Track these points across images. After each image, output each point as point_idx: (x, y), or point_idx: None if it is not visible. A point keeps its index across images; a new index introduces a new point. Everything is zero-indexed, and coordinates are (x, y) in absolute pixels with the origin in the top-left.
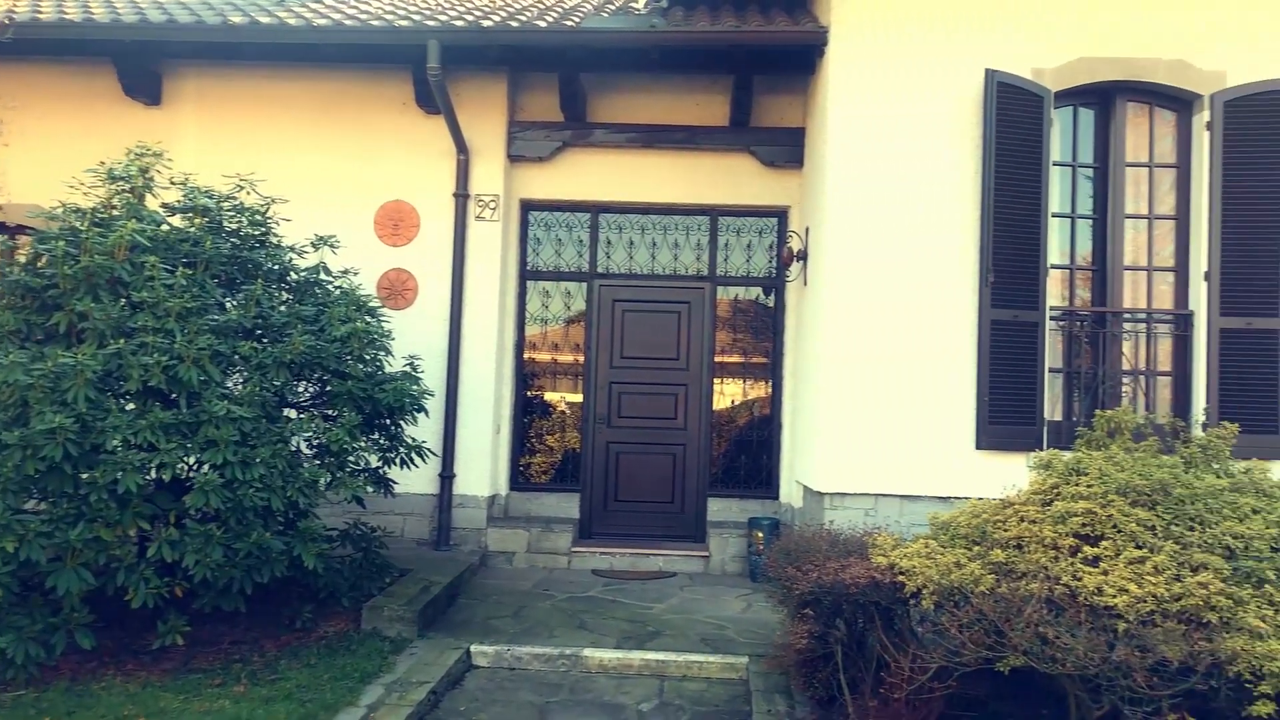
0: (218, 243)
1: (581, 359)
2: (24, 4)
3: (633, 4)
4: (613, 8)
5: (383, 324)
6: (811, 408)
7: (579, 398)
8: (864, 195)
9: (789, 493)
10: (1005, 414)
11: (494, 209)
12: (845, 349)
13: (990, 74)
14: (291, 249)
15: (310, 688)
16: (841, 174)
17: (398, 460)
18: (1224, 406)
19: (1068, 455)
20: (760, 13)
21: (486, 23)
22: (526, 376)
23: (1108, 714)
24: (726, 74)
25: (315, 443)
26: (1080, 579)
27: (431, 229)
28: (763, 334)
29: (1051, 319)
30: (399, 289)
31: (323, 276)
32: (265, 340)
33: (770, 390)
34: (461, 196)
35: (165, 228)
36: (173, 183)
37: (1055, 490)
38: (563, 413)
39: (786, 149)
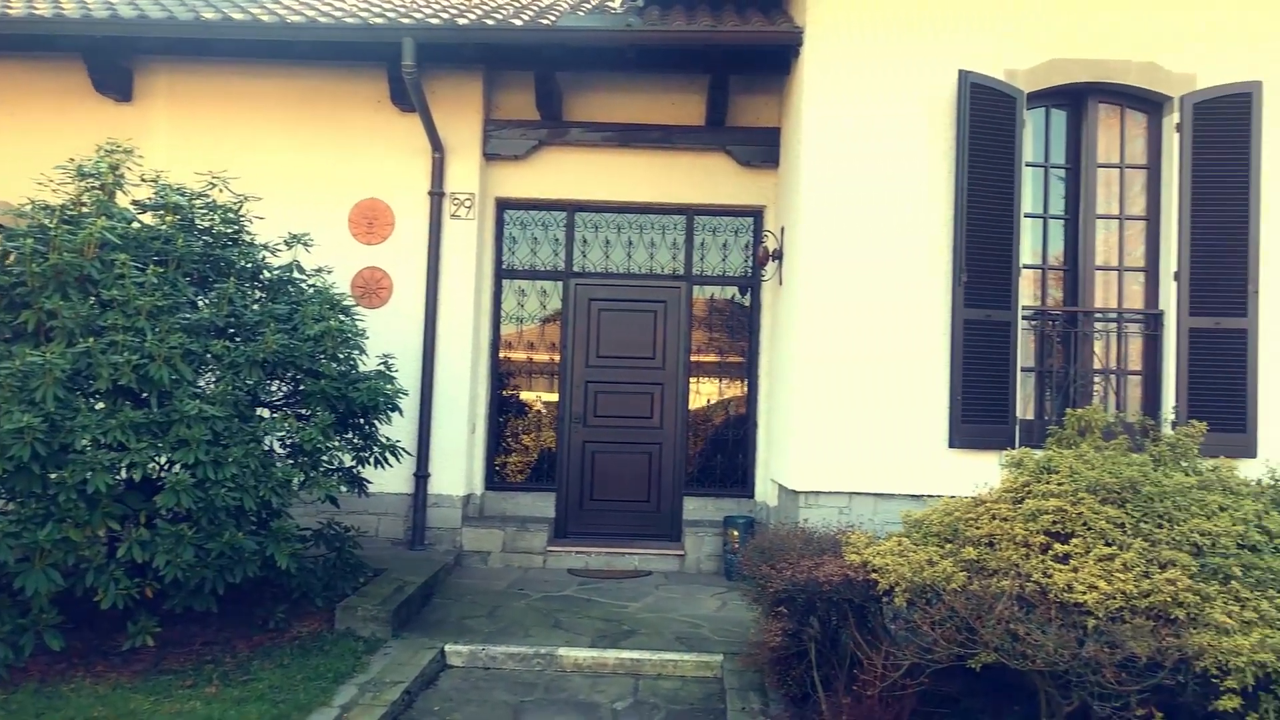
0: (189, 240)
1: (557, 358)
2: None
3: (609, 3)
4: (589, 7)
5: (357, 323)
6: (786, 407)
7: (555, 397)
8: (839, 195)
9: (764, 491)
10: (978, 413)
11: (469, 207)
12: (820, 348)
13: (964, 75)
14: (265, 247)
15: (283, 688)
16: (816, 174)
17: (372, 460)
18: (1193, 405)
19: (1039, 454)
20: (736, 13)
21: (462, 21)
22: (502, 376)
23: (1077, 710)
24: (702, 73)
25: (288, 442)
26: (1051, 576)
27: (406, 227)
28: (738, 333)
29: (1024, 318)
30: (373, 287)
31: (296, 275)
32: (238, 339)
33: (746, 389)
34: (437, 195)
35: (136, 225)
36: (144, 180)
37: (1026, 488)
38: (538, 412)
39: (762, 149)
